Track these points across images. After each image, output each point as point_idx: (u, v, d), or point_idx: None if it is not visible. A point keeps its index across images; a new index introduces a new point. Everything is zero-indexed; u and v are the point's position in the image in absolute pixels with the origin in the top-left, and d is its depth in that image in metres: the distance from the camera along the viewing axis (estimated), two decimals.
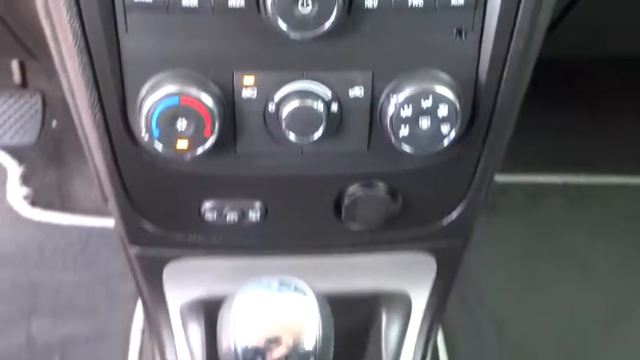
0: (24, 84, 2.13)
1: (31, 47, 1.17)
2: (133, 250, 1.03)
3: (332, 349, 0.78)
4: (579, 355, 1.76)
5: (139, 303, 1.69)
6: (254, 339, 0.74)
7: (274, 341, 0.74)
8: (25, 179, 2.00)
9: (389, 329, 1.14)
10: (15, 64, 2.08)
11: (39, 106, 2.09)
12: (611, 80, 2.21)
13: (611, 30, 1.25)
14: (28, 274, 1.81)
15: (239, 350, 0.74)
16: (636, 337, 1.80)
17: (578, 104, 2.18)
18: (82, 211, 1.92)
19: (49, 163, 2.03)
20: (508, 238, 1.94)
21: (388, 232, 0.99)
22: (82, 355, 1.69)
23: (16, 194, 1.96)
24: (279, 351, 0.74)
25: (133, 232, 0.99)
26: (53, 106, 2.09)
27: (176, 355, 1.12)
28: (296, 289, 0.77)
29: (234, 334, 0.74)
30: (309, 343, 0.74)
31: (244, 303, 0.76)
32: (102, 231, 1.86)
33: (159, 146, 0.79)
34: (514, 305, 1.84)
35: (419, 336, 1.15)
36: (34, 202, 1.95)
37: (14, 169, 2.02)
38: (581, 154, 2.11)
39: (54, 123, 2.09)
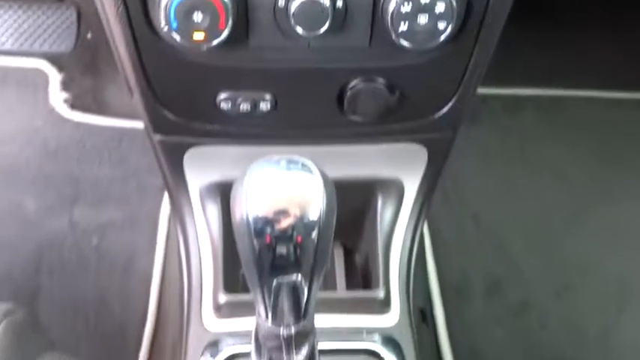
0: None
1: None
2: (157, 138, 1.01)
3: (334, 221, 0.74)
4: (546, 243, 1.75)
5: (166, 194, 1.68)
6: (264, 210, 0.70)
7: (282, 212, 0.70)
8: (65, 85, 1.93)
9: (384, 211, 1.13)
10: None
11: (74, 18, 2.00)
12: None
13: None
14: (70, 168, 1.79)
15: (250, 220, 0.70)
16: (598, 230, 1.79)
17: (556, 20, 2.09)
18: (115, 115, 1.88)
19: (85, 71, 1.97)
20: (486, 143, 1.91)
21: (385, 125, 0.95)
22: (117, 239, 1.68)
23: (57, 98, 1.90)
24: (287, 221, 0.70)
25: (155, 122, 0.96)
26: (88, 18, 2.01)
27: (196, 231, 1.11)
28: (303, 166, 0.73)
29: (246, 205, 0.70)
30: (313, 214, 0.70)
31: (255, 178, 0.72)
32: (133, 131, 1.82)
33: (177, 37, 0.76)
34: (490, 202, 1.82)
35: (410, 218, 1.13)
36: (73, 105, 1.90)
37: (55, 76, 1.95)
38: (556, 69, 2.04)
39: (89, 35, 2.02)
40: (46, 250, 1.65)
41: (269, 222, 0.70)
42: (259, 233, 0.71)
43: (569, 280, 1.68)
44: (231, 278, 1.10)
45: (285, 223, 0.70)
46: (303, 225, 0.71)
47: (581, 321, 1.62)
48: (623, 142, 1.94)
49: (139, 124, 1.68)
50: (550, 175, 1.87)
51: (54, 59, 1.97)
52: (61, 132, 1.84)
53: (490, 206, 1.81)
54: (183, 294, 1.14)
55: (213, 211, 1.10)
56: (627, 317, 1.63)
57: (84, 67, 1.97)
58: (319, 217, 0.71)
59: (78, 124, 1.85)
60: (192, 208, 1.10)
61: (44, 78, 1.94)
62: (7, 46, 1.98)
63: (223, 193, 1.08)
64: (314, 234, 0.71)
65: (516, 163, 1.90)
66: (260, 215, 0.70)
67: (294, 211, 0.70)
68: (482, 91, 0.96)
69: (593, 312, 1.63)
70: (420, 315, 1.38)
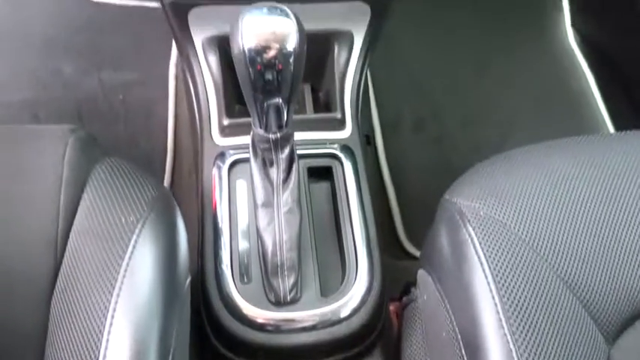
0: None
1: None
2: (167, 1, 1.02)
3: (305, 53, 0.79)
4: (459, 87, 1.82)
5: (172, 57, 1.69)
6: (254, 44, 0.76)
7: (267, 46, 0.76)
8: None
9: (339, 57, 1.16)
10: None
11: None
12: None
13: None
14: (94, 40, 1.76)
15: (246, 51, 0.76)
16: (497, 75, 1.85)
17: None
18: None
19: None
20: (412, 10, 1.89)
21: None
22: (138, 93, 1.70)
23: None
24: (271, 52, 0.76)
25: None
26: None
27: (202, 73, 1.14)
28: (281, 11, 0.77)
29: (241, 40, 0.76)
30: (290, 46, 0.76)
31: (247, 21, 0.76)
32: (141, 9, 1.76)
33: None
34: (419, 60, 1.85)
35: (358, 61, 1.17)
36: None
37: None
38: None
39: None
40: (84, 104, 1.67)
41: (259, 52, 0.75)
42: (252, 62, 0.76)
43: (473, 116, 1.78)
44: (230, 108, 1.15)
45: (270, 53, 0.76)
46: (282, 55, 0.76)
47: (481, 144, 1.73)
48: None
49: (144, 3, 1.64)
50: (460, 34, 1.89)
51: None
52: (82, 11, 1.79)
53: (419, 61, 1.85)
54: (196, 121, 1.18)
55: (213, 58, 1.12)
56: (512, 141, 1.75)
57: None
58: (294, 49, 0.76)
59: (97, 4, 1.79)
60: (197, 56, 1.12)
61: None
62: None
63: (220, 43, 1.11)
64: (291, 60, 0.76)
65: (434, 26, 1.90)
66: (252, 47, 0.75)
67: (276, 45, 0.76)
68: None
69: (488, 138, 1.74)
70: (366, 139, 1.43)
